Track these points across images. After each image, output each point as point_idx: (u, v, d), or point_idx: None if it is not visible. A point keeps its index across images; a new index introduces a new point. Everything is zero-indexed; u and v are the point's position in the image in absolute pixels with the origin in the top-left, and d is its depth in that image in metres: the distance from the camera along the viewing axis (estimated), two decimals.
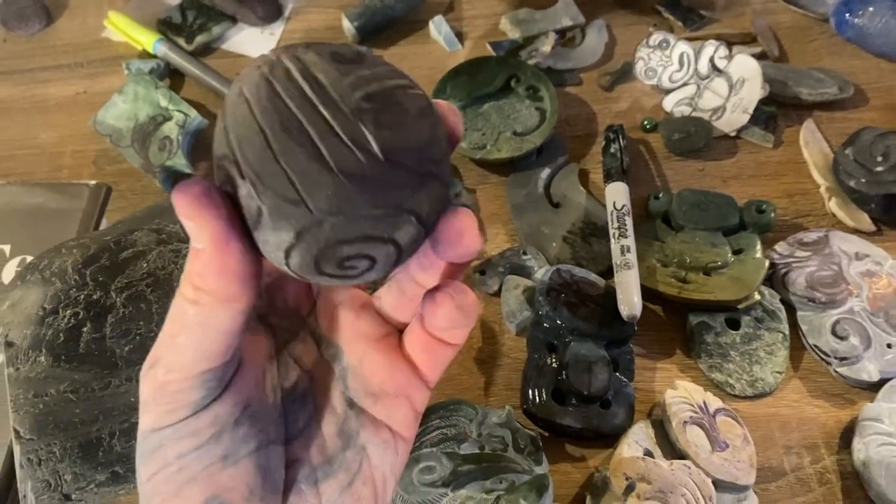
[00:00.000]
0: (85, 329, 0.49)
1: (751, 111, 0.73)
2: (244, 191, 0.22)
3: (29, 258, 0.58)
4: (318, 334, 0.30)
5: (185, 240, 0.53)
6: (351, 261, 0.23)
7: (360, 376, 0.29)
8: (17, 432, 0.47)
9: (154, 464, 0.25)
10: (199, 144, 0.77)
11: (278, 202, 0.21)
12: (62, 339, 0.48)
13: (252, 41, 0.88)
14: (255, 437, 0.26)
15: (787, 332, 0.61)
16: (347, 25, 0.84)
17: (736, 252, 0.63)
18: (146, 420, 0.25)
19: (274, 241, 0.22)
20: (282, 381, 0.29)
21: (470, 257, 0.26)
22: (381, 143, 0.21)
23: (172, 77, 0.84)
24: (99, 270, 0.51)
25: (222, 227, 0.22)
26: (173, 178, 0.74)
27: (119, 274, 0.51)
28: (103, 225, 0.67)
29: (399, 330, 0.30)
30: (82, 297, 0.49)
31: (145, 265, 0.52)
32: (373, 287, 0.34)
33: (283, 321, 0.30)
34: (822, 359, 0.60)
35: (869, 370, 0.58)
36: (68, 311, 0.49)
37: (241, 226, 0.22)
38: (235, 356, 0.26)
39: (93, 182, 0.67)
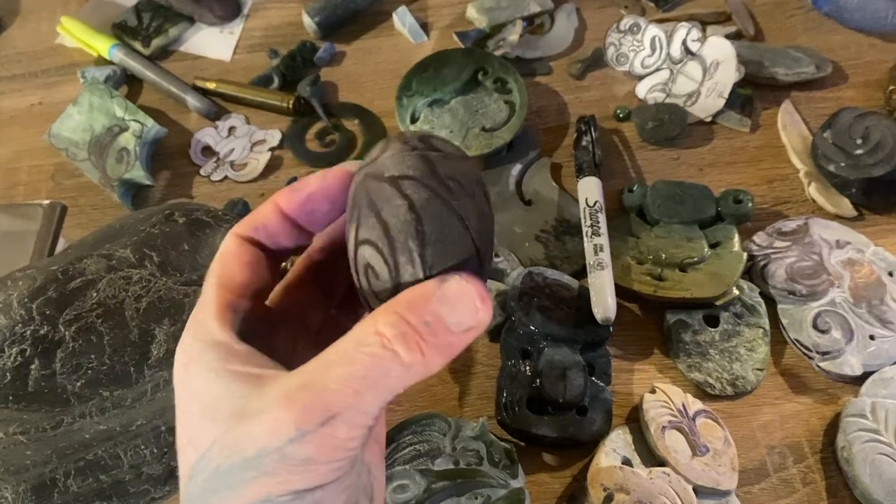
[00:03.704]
0: (33, 366, 0.47)
1: (726, 95, 0.71)
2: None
3: None
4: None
5: (136, 265, 0.51)
6: None
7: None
8: None
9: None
10: (157, 154, 0.75)
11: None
12: (9, 378, 0.46)
13: (211, 41, 0.85)
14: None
15: (767, 327, 0.59)
16: (308, 21, 0.82)
17: (713, 245, 0.61)
18: (307, 479, 0.23)
19: None
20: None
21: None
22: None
23: (130, 83, 0.82)
24: (46, 303, 0.48)
25: (482, 290, 0.24)
26: (133, 191, 0.72)
27: (67, 306, 0.49)
28: (60, 244, 0.65)
29: None
30: (29, 332, 0.47)
31: (95, 295, 0.49)
32: None
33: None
34: (804, 354, 0.58)
35: (852, 364, 0.57)
36: (14, 349, 0.46)
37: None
38: None
39: (46, 202, 0.65)
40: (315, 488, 0.23)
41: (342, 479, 0.24)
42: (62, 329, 0.48)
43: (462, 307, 0.23)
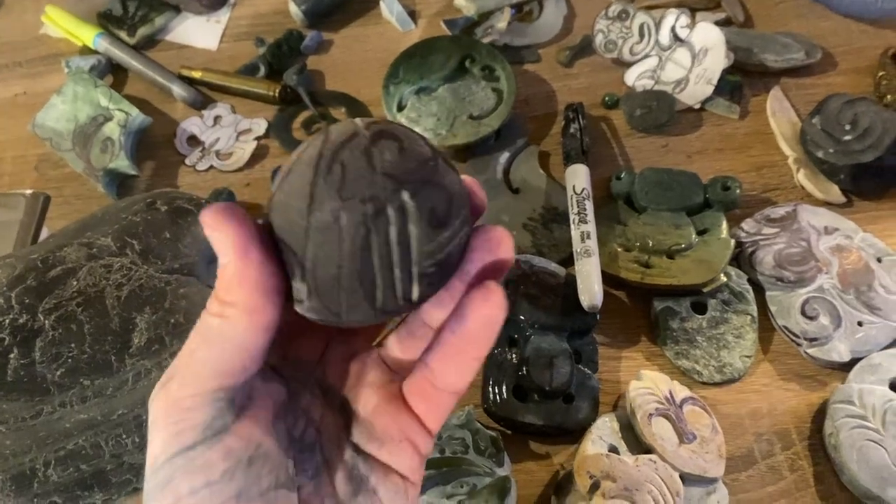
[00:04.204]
0: (12, 356, 0.46)
1: (715, 82, 0.70)
2: (297, 284, 0.25)
3: None
4: (325, 385, 0.31)
5: (117, 254, 0.51)
6: None
7: (365, 423, 0.30)
8: None
9: (165, 499, 0.25)
10: (142, 144, 0.74)
11: (322, 309, 0.26)
12: None
13: (197, 30, 0.84)
14: (267, 476, 0.26)
15: (755, 313, 0.59)
16: (295, 10, 0.81)
17: (701, 232, 0.61)
18: (156, 445, 0.25)
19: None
20: (291, 431, 0.29)
21: (505, 266, 0.28)
22: (421, 295, 0.26)
23: (115, 73, 0.81)
24: (25, 292, 0.48)
25: (243, 237, 0.24)
26: (118, 181, 0.71)
27: (47, 294, 0.48)
28: (44, 234, 0.64)
29: (400, 379, 0.31)
30: (7, 321, 0.47)
31: (75, 283, 0.49)
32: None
33: (294, 373, 0.30)
34: (792, 340, 0.58)
35: (840, 350, 0.56)
36: None
37: (266, 249, 0.25)
38: (248, 383, 0.26)
39: (29, 191, 0.64)
40: (172, 456, 0.25)
41: (200, 452, 0.25)
42: (42, 318, 0.48)
43: (214, 244, 0.25)
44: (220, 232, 0.24)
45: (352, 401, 0.30)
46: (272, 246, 0.25)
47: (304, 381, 0.31)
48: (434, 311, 0.29)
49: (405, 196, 0.24)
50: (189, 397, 0.25)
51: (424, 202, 0.24)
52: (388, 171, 0.24)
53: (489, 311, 0.26)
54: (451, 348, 0.27)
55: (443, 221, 0.25)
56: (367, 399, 0.30)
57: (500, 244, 0.27)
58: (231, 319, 0.25)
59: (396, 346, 0.31)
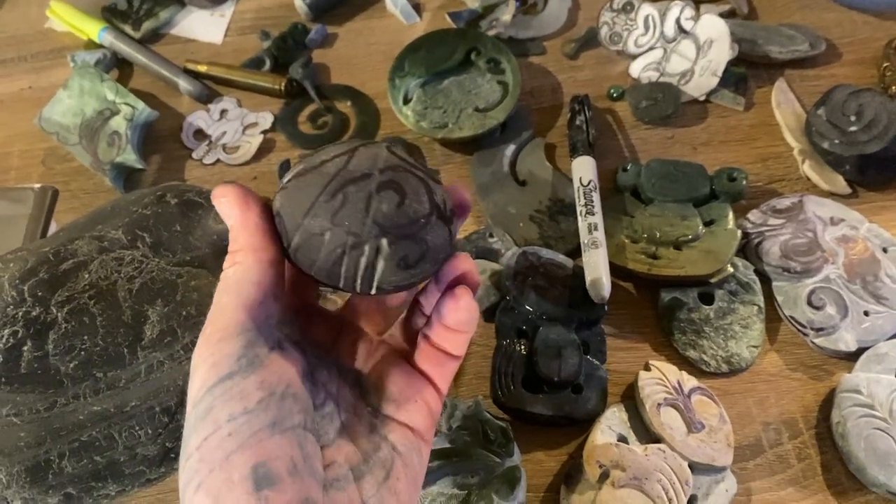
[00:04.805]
0: (25, 348, 0.46)
1: (720, 73, 0.71)
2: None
3: None
4: (339, 364, 0.35)
5: (128, 246, 0.51)
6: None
7: (381, 388, 0.34)
8: None
9: (205, 428, 0.27)
10: (149, 137, 0.74)
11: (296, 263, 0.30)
12: (1, 360, 0.45)
13: (202, 24, 0.84)
14: (298, 414, 0.29)
15: (762, 304, 0.59)
16: (299, 3, 0.81)
17: (707, 223, 0.61)
18: (197, 380, 0.28)
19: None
20: (313, 399, 0.31)
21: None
22: (380, 293, 0.30)
23: (120, 67, 0.81)
24: (38, 285, 0.48)
25: (243, 196, 0.30)
26: (124, 175, 0.72)
27: (59, 287, 0.48)
28: (52, 228, 0.65)
29: (406, 356, 0.36)
30: (20, 314, 0.47)
31: (87, 276, 0.49)
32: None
33: (313, 350, 0.34)
34: (799, 330, 0.58)
35: (846, 340, 0.57)
36: (6, 331, 0.46)
37: (262, 206, 0.30)
38: (271, 320, 0.30)
39: (37, 185, 0.64)
40: (213, 386, 0.27)
41: (237, 382, 0.27)
42: (54, 310, 0.48)
43: (222, 212, 0.30)
44: (225, 197, 0.30)
45: (366, 374, 0.35)
46: (270, 213, 0.30)
47: (321, 359, 0.34)
48: (428, 299, 0.34)
49: (383, 242, 0.28)
50: (219, 331, 0.28)
51: (399, 251, 0.29)
52: (377, 220, 0.28)
53: (460, 313, 0.32)
54: (442, 329, 0.33)
55: (411, 265, 0.29)
56: (381, 370, 0.35)
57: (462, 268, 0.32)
58: (241, 263, 0.29)
59: (399, 329, 0.37)
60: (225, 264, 0.30)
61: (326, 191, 0.28)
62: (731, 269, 0.59)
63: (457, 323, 0.32)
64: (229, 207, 0.30)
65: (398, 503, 0.31)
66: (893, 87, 0.70)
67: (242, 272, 0.29)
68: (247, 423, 0.27)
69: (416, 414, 0.34)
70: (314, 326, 0.35)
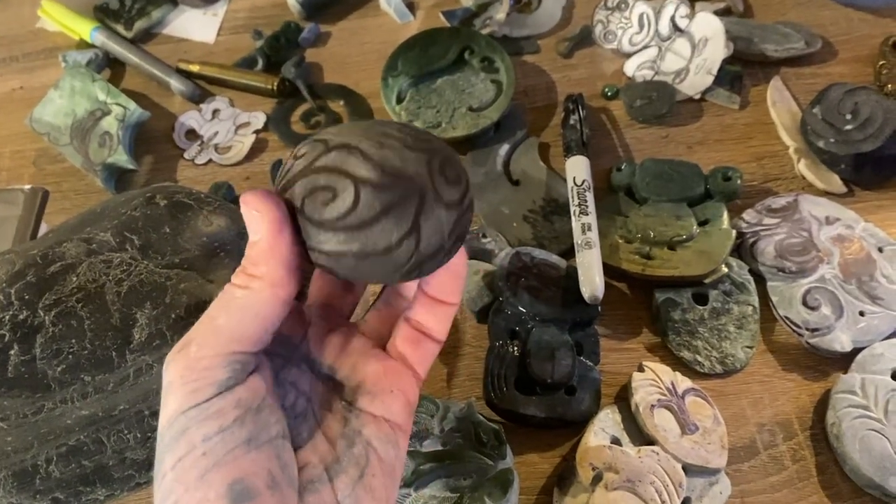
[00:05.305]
0: (12, 352, 0.46)
1: (715, 72, 0.70)
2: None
3: None
4: (310, 359, 0.34)
5: (117, 249, 0.50)
6: None
7: (355, 382, 0.33)
8: None
9: (180, 448, 0.26)
10: (140, 138, 0.74)
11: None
12: None
13: (194, 23, 0.83)
14: (275, 425, 0.28)
15: (756, 304, 0.59)
16: (292, 2, 0.80)
17: (702, 223, 0.61)
18: (172, 402, 0.27)
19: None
20: (283, 401, 0.31)
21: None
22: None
23: (112, 67, 0.80)
24: (25, 288, 0.48)
25: (278, 218, 0.27)
26: (116, 175, 0.71)
27: (47, 290, 0.48)
28: (42, 230, 0.64)
29: (381, 346, 0.35)
30: (7, 318, 0.46)
31: (75, 279, 0.49)
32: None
33: (280, 349, 0.33)
34: (794, 331, 0.58)
35: (841, 340, 0.56)
36: None
37: (295, 231, 0.28)
38: (261, 350, 0.29)
39: (28, 187, 0.64)
40: (188, 409, 0.26)
41: (213, 402, 0.27)
42: (41, 314, 0.47)
43: (249, 223, 0.28)
44: (258, 211, 0.27)
45: (339, 367, 0.34)
46: (299, 238, 0.28)
47: (289, 357, 0.33)
48: (407, 284, 0.35)
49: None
50: (208, 358, 0.27)
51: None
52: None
53: (450, 265, 0.31)
54: (427, 300, 0.33)
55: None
56: (355, 362, 0.34)
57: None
58: (255, 291, 0.27)
59: (375, 318, 0.36)
60: (235, 278, 0.28)
61: (354, 231, 0.27)
62: (725, 270, 0.59)
63: (440, 288, 0.32)
64: (258, 224, 0.27)
65: (374, 500, 0.30)
66: (889, 86, 0.70)
67: (253, 302, 0.28)
68: (221, 441, 0.26)
69: (392, 405, 0.33)
70: (284, 322, 0.34)
